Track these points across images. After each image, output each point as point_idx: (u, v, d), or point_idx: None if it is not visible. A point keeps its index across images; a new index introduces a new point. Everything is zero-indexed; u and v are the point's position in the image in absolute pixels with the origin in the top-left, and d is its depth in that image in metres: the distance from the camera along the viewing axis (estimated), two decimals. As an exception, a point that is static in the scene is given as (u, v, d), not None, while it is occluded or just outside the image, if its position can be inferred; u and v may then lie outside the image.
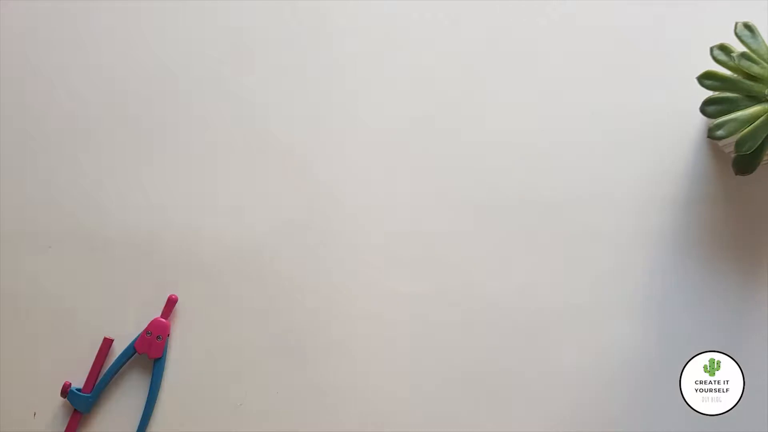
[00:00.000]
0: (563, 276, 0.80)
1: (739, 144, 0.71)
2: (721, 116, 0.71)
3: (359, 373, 0.79)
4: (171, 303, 0.80)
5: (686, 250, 0.80)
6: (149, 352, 0.79)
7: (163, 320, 0.79)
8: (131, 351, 0.79)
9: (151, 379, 0.79)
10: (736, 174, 0.73)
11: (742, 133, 0.70)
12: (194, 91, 0.83)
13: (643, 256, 0.80)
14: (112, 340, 0.80)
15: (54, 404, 0.80)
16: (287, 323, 0.80)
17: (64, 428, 0.79)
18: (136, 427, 0.79)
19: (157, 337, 0.79)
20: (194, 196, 0.82)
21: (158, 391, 0.79)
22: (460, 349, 0.79)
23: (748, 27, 0.73)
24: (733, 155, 0.73)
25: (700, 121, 0.80)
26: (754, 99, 0.71)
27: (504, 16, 0.83)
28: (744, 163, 0.72)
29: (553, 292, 0.80)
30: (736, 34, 0.73)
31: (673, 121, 0.81)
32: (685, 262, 0.80)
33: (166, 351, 0.79)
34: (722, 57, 0.73)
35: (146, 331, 0.79)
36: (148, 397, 0.79)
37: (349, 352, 0.79)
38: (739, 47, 0.72)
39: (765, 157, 0.72)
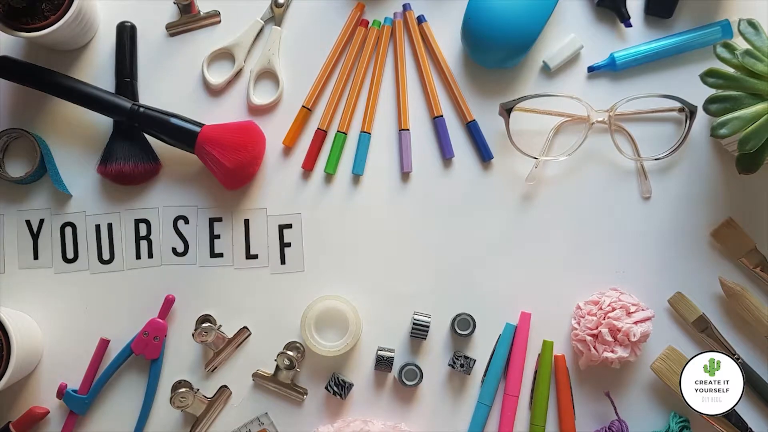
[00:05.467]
0: (563, 274, 0.80)
1: (742, 142, 0.70)
2: (724, 114, 0.70)
3: (359, 374, 0.79)
4: (168, 303, 0.79)
5: (690, 249, 0.79)
6: (146, 353, 0.78)
7: (161, 321, 0.78)
8: (128, 352, 0.78)
9: (148, 380, 0.78)
10: (740, 173, 0.72)
11: (746, 131, 0.70)
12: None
13: (647, 254, 0.79)
14: (108, 341, 0.79)
15: (50, 406, 0.79)
16: (286, 324, 0.79)
17: (60, 430, 0.78)
18: (132, 429, 0.78)
19: (154, 338, 0.78)
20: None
21: (155, 392, 0.78)
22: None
23: (752, 24, 0.72)
24: (736, 154, 0.72)
25: (703, 120, 0.79)
26: (758, 97, 0.71)
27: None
28: (747, 162, 0.72)
29: (553, 293, 0.79)
30: (740, 32, 0.72)
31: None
32: (688, 261, 0.79)
33: (163, 352, 0.79)
34: (726, 54, 0.72)
35: (143, 331, 0.78)
36: (144, 399, 0.78)
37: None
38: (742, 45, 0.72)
39: (769, 156, 0.72)
